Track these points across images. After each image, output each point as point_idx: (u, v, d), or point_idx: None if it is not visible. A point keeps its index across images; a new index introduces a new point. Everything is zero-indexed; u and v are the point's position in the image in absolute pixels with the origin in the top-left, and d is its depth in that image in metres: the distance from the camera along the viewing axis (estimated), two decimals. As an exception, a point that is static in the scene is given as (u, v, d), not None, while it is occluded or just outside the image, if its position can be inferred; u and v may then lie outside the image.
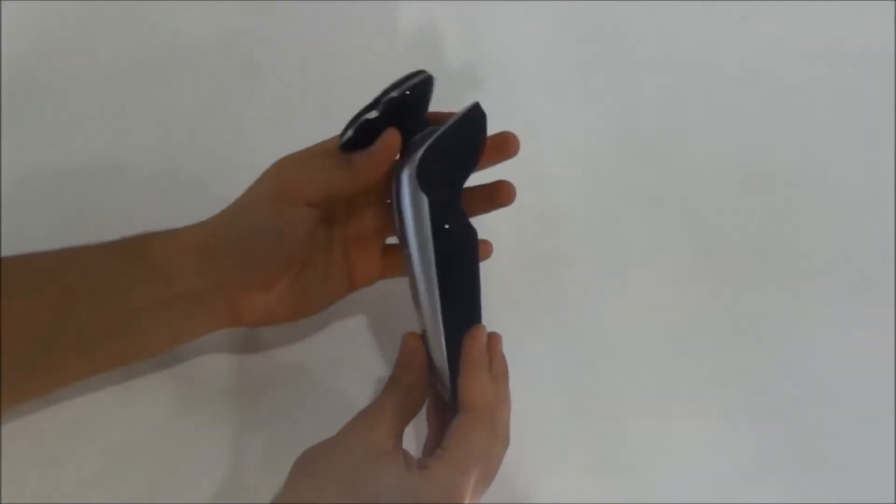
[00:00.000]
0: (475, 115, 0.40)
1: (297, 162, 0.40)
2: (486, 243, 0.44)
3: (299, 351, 0.47)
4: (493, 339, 0.41)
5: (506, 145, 0.42)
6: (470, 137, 0.40)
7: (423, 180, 0.38)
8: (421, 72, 0.40)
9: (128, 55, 0.57)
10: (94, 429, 0.44)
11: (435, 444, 0.40)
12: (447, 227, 0.39)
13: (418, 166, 0.38)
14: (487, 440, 0.38)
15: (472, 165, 0.41)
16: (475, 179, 0.42)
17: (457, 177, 0.40)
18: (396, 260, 0.44)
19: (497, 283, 0.49)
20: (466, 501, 0.36)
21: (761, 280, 0.52)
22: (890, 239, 0.54)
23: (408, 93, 0.39)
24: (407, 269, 0.40)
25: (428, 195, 0.38)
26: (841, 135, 0.58)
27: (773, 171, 0.56)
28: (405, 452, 0.38)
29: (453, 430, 0.38)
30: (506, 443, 0.40)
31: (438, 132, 0.39)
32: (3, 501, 0.41)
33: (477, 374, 0.39)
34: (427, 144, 0.38)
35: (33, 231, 0.48)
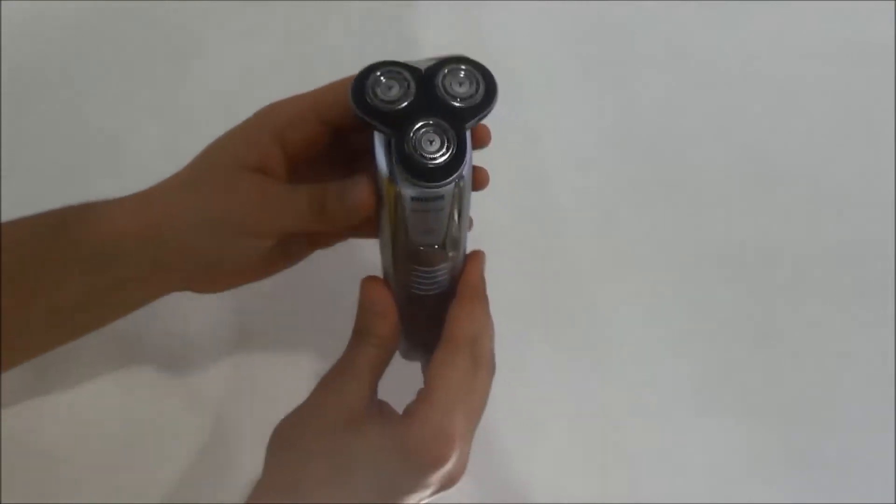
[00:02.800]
0: None
1: (257, 186, 0.35)
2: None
3: (299, 342, 0.47)
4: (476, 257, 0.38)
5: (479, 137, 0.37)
6: None
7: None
8: (483, 83, 0.33)
9: (128, 55, 0.57)
10: (95, 428, 0.44)
11: None
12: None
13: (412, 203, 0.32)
14: (470, 371, 0.35)
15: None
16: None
17: None
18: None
19: (496, 282, 0.49)
20: (457, 442, 0.33)
21: (761, 280, 0.52)
22: (890, 239, 0.54)
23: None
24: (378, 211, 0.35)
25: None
26: (841, 135, 0.58)
27: (773, 171, 0.56)
28: (383, 405, 0.35)
29: (434, 366, 0.35)
30: (491, 370, 0.36)
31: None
32: (3, 501, 0.41)
33: (474, 304, 0.36)
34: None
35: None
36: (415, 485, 0.33)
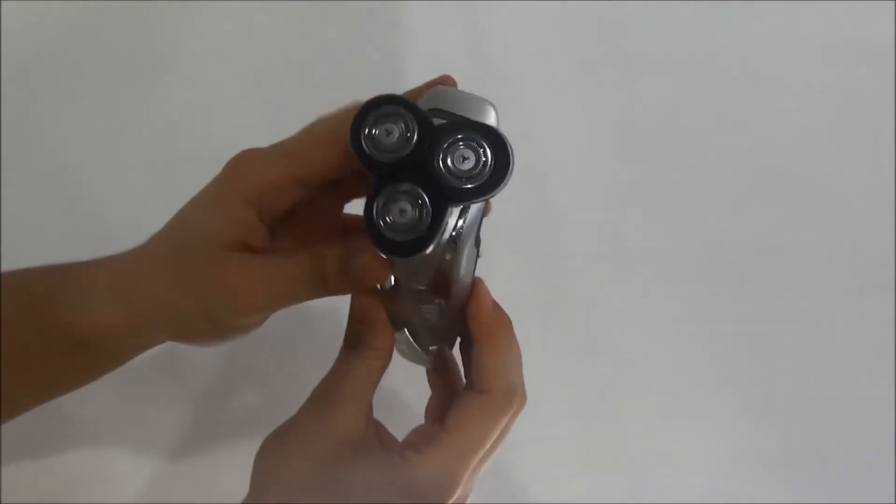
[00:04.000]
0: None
1: (241, 267, 0.31)
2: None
3: (303, 345, 0.47)
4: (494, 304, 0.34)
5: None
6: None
7: None
8: (492, 158, 0.29)
9: (128, 55, 0.57)
10: (94, 428, 0.44)
11: (440, 409, 0.34)
12: None
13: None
14: (499, 428, 0.32)
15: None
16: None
17: None
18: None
19: (497, 282, 0.49)
20: (465, 481, 0.31)
21: (761, 280, 0.52)
22: (890, 239, 0.54)
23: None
24: None
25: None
26: (841, 135, 0.58)
27: (773, 171, 0.56)
28: (380, 431, 0.33)
29: (462, 408, 0.31)
30: (524, 402, 0.33)
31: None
32: (3, 501, 0.41)
33: (500, 345, 0.32)
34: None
35: (34, 232, 0.49)
36: None
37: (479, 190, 0.28)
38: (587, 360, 0.49)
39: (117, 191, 0.52)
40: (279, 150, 0.32)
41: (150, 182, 0.52)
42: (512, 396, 0.32)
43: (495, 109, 0.30)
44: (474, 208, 0.30)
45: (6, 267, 0.46)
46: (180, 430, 0.45)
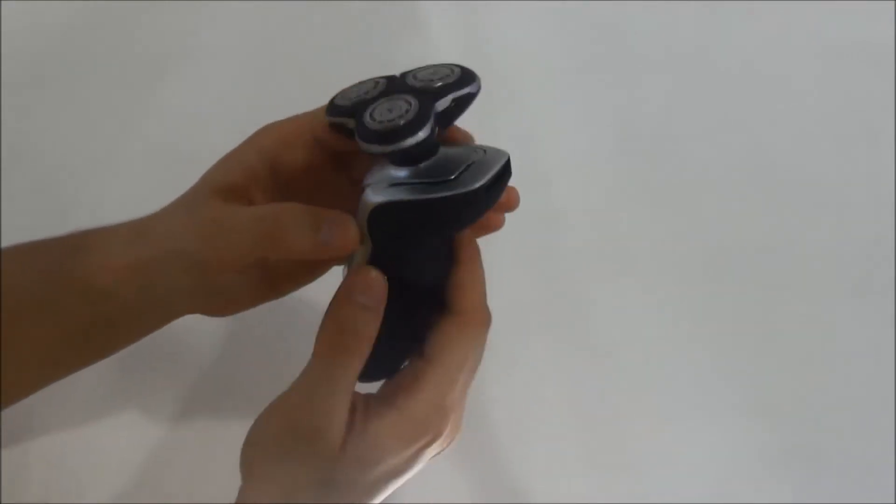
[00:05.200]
0: (501, 174, 0.31)
1: (211, 212, 0.32)
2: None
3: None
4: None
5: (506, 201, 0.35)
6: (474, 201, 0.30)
7: (375, 227, 0.31)
8: (458, 70, 0.32)
9: (128, 55, 0.57)
10: (94, 428, 0.44)
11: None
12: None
13: (371, 213, 0.30)
14: (479, 340, 0.33)
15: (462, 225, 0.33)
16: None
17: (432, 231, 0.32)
18: None
19: (497, 282, 0.49)
20: (456, 409, 0.32)
21: (761, 279, 0.52)
22: (890, 239, 0.54)
23: (453, 104, 0.31)
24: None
25: (374, 242, 0.31)
26: (841, 135, 0.58)
27: (773, 171, 0.56)
28: (357, 403, 0.32)
29: (442, 334, 0.32)
30: (489, 324, 0.34)
31: (443, 193, 0.29)
32: (3, 501, 0.41)
33: (476, 269, 0.33)
34: (412, 199, 0.30)
35: (33, 231, 0.48)
36: (412, 460, 0.32)
37: (453, 86, 0.31)
38: (587, 360, 0.49)
39: (117, 191, 0.52)
40: (302, 113, 0.35)
41: (151, 182, 0.52)
42: (487, 314, 0.33)
43: None
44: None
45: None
46: (175, 417, 0.45)
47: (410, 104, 0.29)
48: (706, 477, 0.46)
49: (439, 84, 0.31)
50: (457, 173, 0.30)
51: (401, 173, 0.30)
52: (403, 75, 0.32)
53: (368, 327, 0.31)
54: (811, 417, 0.48)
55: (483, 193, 0.29)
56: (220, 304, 0.35)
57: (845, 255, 0.53)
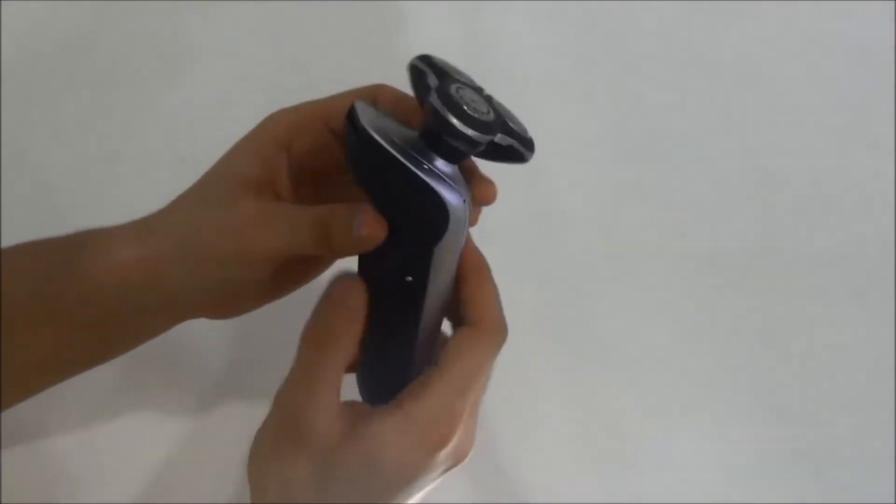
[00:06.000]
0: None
1: (255, 205, 0.32)
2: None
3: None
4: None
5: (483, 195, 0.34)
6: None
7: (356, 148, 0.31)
8: (526, 133, 0.33)
9: (129, 56, 0.57)
10: (94, 428, 0.44)
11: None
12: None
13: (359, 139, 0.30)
14: (492, 359, 0.33)
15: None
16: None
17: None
18: None
19: (497, 282, 0.49)
20: (464, 418, 0.32)
21: (761, 279, 0.52)
22: (890, 239, 0.54)
23: (499, 147, 0.32)
24: None
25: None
26: (841, 135, 0.58)
27: (773, 171, 0.56)
28: (353, 409, 0.32)
29: (455, 343, 0.32)
30: (506, 336, 0.34)
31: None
32: (3, 502, 0.41)
33: (486, 280, 0.33)
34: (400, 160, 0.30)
35: (33, 232, 0.48)
36: (419, 467, 0.32)
37: (520, 139, 0.32)
38: (587, 360, 0.49)
39: (118, 191, 0.52)
40: (313, 102, 0.34)
41: (151, 183, 0.52)
42: (501, 326, 0.33)
43: None
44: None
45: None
46: (175, 417, 0.45)
47: (489, 110, 0.30)
48: (706, 477, 0.46)
49: (514, 126, 0.32)
50: (446, 177, 0.30)
51: (418, 146, 0.30)
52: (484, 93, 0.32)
53: (347, 323, 0.32)
54: (811, 417, 0.48)
55: (436, 202, 0.30)
56: (229, 302, 0.35)
57: (845, 255, 0.54)
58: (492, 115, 0.29)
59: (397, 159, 0.29)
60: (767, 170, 0.56)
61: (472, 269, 0.34)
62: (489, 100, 0.32)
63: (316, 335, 0.32)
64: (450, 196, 0.29)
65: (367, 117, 0.30)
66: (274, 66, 0.57)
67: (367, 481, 0.31)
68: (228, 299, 0.35)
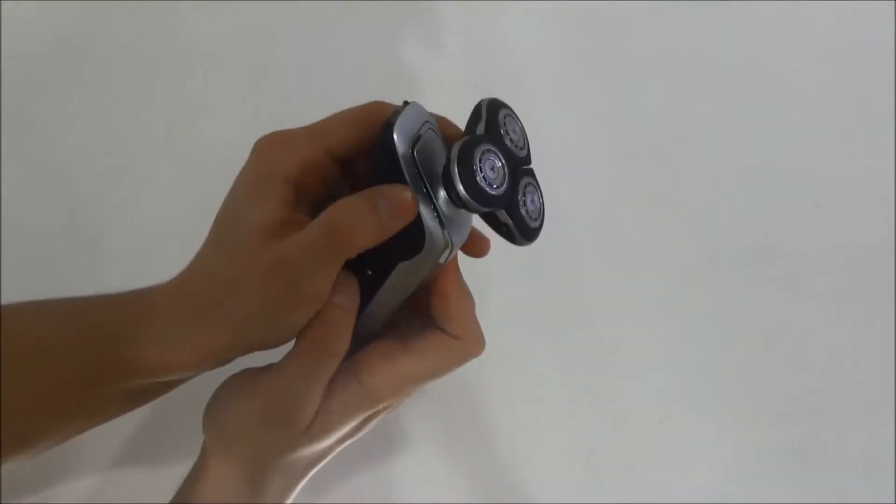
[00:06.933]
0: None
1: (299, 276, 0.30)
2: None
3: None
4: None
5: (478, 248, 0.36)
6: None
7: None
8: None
9: (129, 55, 0.57)
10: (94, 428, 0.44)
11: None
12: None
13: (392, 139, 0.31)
14: (454, 369, 0.34)
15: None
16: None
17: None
18: None
19: (497, 283, 0.49)
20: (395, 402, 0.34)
21: (761, 280, 0.52)
22: (890, 239, 0.54)
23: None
24: None
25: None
26: (841, 135, 0.58)
27: (774, 170, 0.56)
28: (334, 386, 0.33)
29: (431, 343, 0.33)
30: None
31: None
32: (3, 502, 0.41)
33: (466, 299, 0.34)
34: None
35: (33, 231, 0.49)
36: (361, 428, 0.34)
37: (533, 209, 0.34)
38: (587, 360, 0.49)
39: (118, 191, 0.52)
40: (311, 129, 0.33)
41: (151, 182, 0.52)
42: (480, 343, 0.34)
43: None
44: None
45: (6, 267, 0.46)
46: (176, 417, 0.45)
47: (504, 184, 0.31)
48: (706, 477, 0.46)
49: (526, 209, 0.33)
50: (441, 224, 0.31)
51: (435, 173, 0.31)
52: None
53: (347, 329, 0.32)
54: (811, 417, 0.48)
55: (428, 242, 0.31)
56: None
57: (845, 255, 0.54)
58: (501, 190, 0.30)
59: (402, 174, 0.30)
60: (767, 169, 0.56)
61: (456, 283, 0.34)
62: (524, 174, 0.32)
63: (319, 338, 0.32)
64: (433, 229, 0.30)
65: (408, 122, 0.31)
66: (274, 66, 0.57)
67: (321, 448, 0.34)
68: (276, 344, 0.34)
